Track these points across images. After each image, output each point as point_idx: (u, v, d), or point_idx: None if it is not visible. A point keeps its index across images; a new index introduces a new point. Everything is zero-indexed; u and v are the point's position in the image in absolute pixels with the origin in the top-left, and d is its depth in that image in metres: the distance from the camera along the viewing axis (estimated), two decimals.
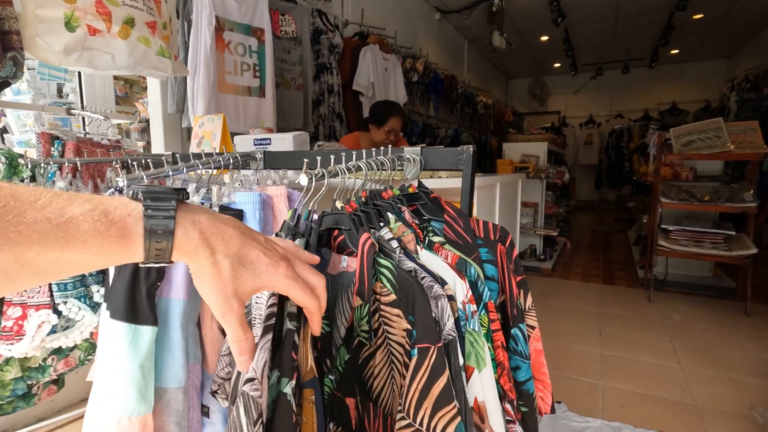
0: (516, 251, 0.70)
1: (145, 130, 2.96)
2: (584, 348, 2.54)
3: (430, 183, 1.50)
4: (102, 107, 1.97)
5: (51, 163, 1.15)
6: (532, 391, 0.62)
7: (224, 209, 0.84)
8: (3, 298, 0.97)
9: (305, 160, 0.55)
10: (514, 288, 0.66)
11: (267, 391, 0.45)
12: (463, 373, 0.52)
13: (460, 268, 0.64)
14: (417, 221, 0.77)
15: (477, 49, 7.22)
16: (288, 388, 0.44)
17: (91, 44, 1.33)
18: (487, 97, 6.99)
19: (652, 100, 8.64)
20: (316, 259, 0.49)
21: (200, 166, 0.95)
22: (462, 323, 0.55)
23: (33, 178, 1.10)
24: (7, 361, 1.01)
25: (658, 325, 2.87)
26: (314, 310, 0.43)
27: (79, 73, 2.04)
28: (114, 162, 1.17)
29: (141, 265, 0.34)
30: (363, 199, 0.73)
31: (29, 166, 1.08)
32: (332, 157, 0.75)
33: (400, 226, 0.70)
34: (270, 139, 1.47)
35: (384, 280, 0.53)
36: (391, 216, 0.71)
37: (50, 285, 0.96)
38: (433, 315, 0.51)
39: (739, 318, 2.99)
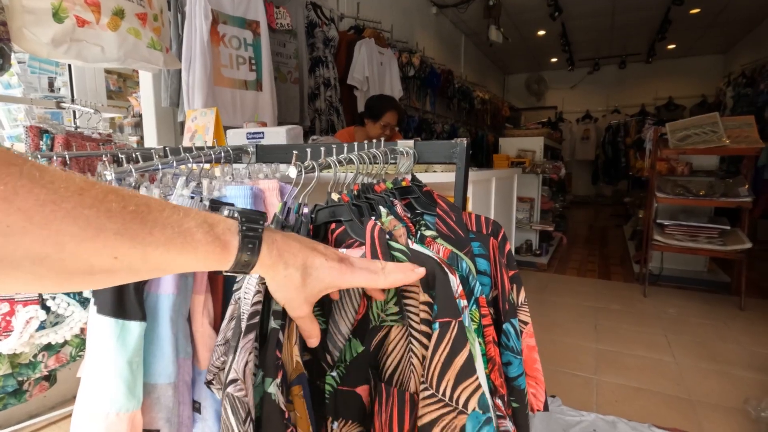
0: (509, 245, 0.69)
1: (138, 125, 2.93)
2: (579, 342, 2.55)
3: (425, 177, 1.49)
4: (93, 101, 1.95)
5: (39, 156, 1.13)
6: (524, 387, 0.62)
7: (215, 203, 0.82)
8: None
9: (294, 152, 0.54)
10: (506, 283, 0.65)
11: (253, 390, 0.45)
12: None
13: (452, 263, 0.63)
14: (409, 215, 0.76)
15: (474, 44, 7.19)
16: (272, 388, 0.44)
17: (80, 36, 1.31)
18: (484, 93, 6.97)
19: (648, 96, 8.64)
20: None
21: (191, 160, 0.93)
22: None
23: None
24: None
25: (653, 320, 2.88)
26: (381, 286, 0.48)
27: (70, 66, 2.01)
28: (104, 156, 1.15)
29: (224, 273, 0.40)
30: (355, 192, 0.72)
31: None
32: (323, 149, 0.74)
33: (391, 220, 0.69)
34: (263, 132, 1.45)
35: (401, 258, 0.54)
36: (382, 210, 0.71)
37: None
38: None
39: (734, 312, 3.00)
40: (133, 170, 0.84)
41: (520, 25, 6.51)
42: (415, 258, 0.54)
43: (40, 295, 0.94)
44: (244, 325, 0.45)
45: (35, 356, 1.11)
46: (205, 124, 1.62)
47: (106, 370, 0.68)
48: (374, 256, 0.54)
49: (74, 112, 1.69)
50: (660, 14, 5.90)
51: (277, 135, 1.43)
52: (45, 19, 1.24)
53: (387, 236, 0.56)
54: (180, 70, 2.10)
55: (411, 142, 0.91)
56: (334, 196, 0.67)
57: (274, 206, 0.88)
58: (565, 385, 2.06)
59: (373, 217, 0.69)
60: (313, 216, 0.63)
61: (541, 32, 6.92)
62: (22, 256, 0.29)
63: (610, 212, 7.89)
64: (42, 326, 0.97)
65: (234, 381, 0.42)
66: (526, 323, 0.69)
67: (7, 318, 0.92)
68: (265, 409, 0.44)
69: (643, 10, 5.82)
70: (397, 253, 0.54)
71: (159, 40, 1.53)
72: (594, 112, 9.22)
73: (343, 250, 0.61)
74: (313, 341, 0.49)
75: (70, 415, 1.77)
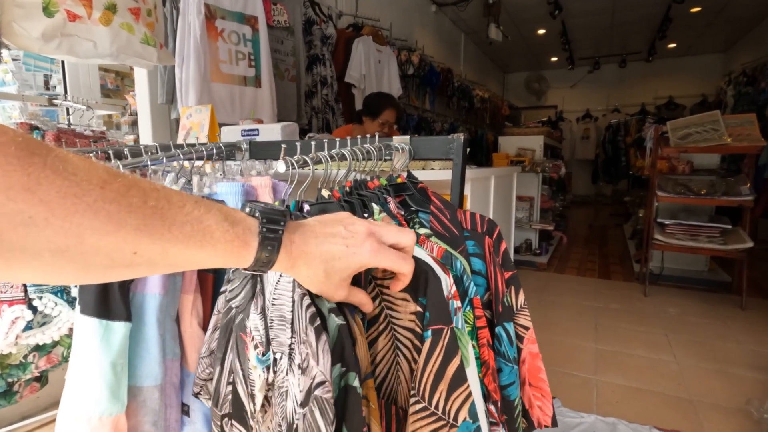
0: (504, 244, 0.67)
1: (135, 123, 2.91)
2: (579, 342, 2.53)
3: (423, 174, 1.47)
4: (87, 97, 1.93)
5: None
6: (514, 398, 0.59)
7: None
8: None
9: (283, 146, 0.52)
10: (500, 283, 0.63)
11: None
12: None
13: (445, 262, 0.61)
14: (403, 212, 0.74)
15: (473, 43, 7.16)
16: (356, 382, 0.44)
17: (71, 31, 1.28)
18: (484, 91, 6.95)
19: (648, 95, 8.61)
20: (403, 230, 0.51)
21: (181, 157, 0.91)
22: None
23: None
24: None
25: (654, 319, 2.86)
26: (406, 272, 0.47)
27: (63, 63, 1.99)
28: (94, 152, 1.13)
29: (242, 270, 0.41)
30: (347, 189, 0.70)
31: None
32: (314, 144, 0.72)
33: (384, 218, 0.67)
34: (258, 130, 1.43)
35: None
36: (375, 207, 0.68)
37: None
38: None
39: (735, 312, 2.98)
40: (120, 167, 0.82)
41: (519, 23, 6.48)
42: None
43: (26, 295, 0.92)
44: (312, 331, 0.45)
45: (25, 357, 1.09)
46: (200, 122, 1.60)
47: (90, 372, 0.66)
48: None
49: (67, 108, 1.67)
50: (660, 12, 5.88)
51: (272, 132, 1.40)
52: (35, 13, 1.21)
53: None
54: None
55: (407, 138, 0.89)
56: (325, 193, 0.65)
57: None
58: (564, 386, 2.04)
59: (366, 215, 0.67)
60: (299, 214, 0.60)
61: (541, 31, 6.89)
62: (43, 247, 0.29)
63: (610, 211, 7.87)
64: (29, 326, 0.95)
65: (322, 383, 0.42)
66: (527, 328, 0.66)
67: None
68: (350, 403, 0.44)
69: (644, 8, 5.79)
70: None
71: (153, 35, 1.51)
72: (594, 111, 9.19)
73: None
74: (368, 307, 0.49)
75: None
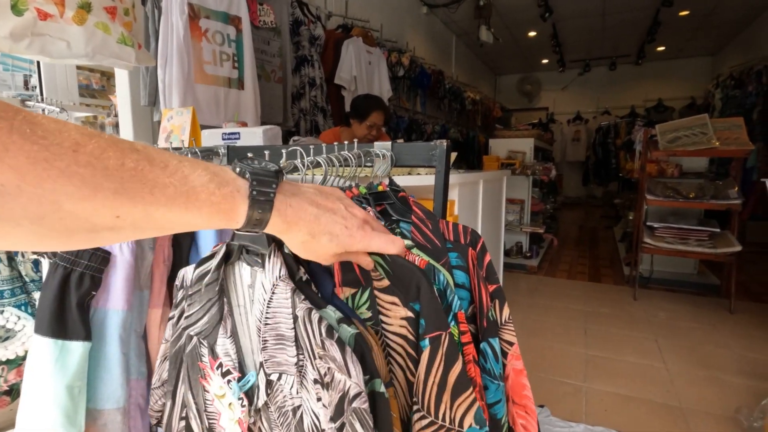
0: (488, 256, 0.63)
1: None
2: (569, 348, 2.51)
3: (408, 180, 1.43)
4: (64, 98, 1.87)
5: None
6: (500, 417, 0.56)
7: None
8: None
9: (249, 154, 0.48)
10: (484, 297, 0.60)
11: None
12: None
13: (428, 275, 0.57)
14: (384, 222, 0.71)
15: (465, 44, 7.16)
16: (382, 387, 0.44)
17: (42, 30, 1.23)
18: (475, 93, 6.94)
19: (638, 97, 8.67)
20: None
21: None
22: None
23: None
24: None
25: (643, 324, 2.85)
26: (399, 251, 0.47)
27: (38, 63, 1.93)
28: None
29: (236, 232, 0.40)
30: None
31: None
32: (284, 151, 0.68)
33: None
34: (239, 133, 1.39)
35: (375, 265, 0.51)
36: None
37: None
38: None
39: (724, 315, 2.98)
40: None
41: (510, 25, 6.48)
42: (396, 267, 0.50)
43: None
44: (330, 343, 0.44)
45: None
46: (181, 124, 1.55)
47: (44, 396, 0.61)
48: (345, 268, 0.51)
49: (43, 110, 1.61)
50: (650, 16, 5.91)
51: (253, 136, 1.36)
52: (3, 12, 1.16)
53: None
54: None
55: (388, 144, 0.85)
56: None
57: None
58: (553, 394, 2.01)
59: None
60: None
61: (532, 33, 6.91)
62: (21, 215, 0.28)
63: (600, 213, 7.90)
64: None
65: (358, 395, 0.42)
66: (511, 344, 0.63)
67: None
68: (379, 410, 0.43)
69: (633, 12, 5.83)
70: (373, 256, 0.51)
71: (130, 35, 1.46)
72: (584, 113, 9.24)
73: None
74: (367, 262, 0.49)
75: None
